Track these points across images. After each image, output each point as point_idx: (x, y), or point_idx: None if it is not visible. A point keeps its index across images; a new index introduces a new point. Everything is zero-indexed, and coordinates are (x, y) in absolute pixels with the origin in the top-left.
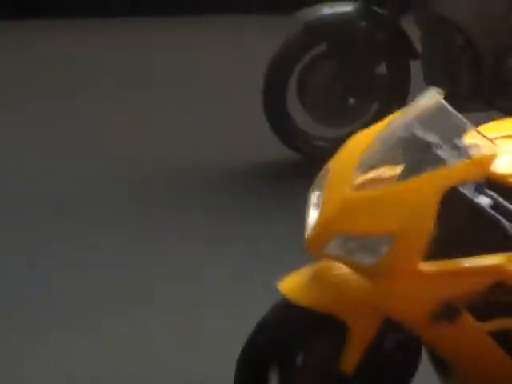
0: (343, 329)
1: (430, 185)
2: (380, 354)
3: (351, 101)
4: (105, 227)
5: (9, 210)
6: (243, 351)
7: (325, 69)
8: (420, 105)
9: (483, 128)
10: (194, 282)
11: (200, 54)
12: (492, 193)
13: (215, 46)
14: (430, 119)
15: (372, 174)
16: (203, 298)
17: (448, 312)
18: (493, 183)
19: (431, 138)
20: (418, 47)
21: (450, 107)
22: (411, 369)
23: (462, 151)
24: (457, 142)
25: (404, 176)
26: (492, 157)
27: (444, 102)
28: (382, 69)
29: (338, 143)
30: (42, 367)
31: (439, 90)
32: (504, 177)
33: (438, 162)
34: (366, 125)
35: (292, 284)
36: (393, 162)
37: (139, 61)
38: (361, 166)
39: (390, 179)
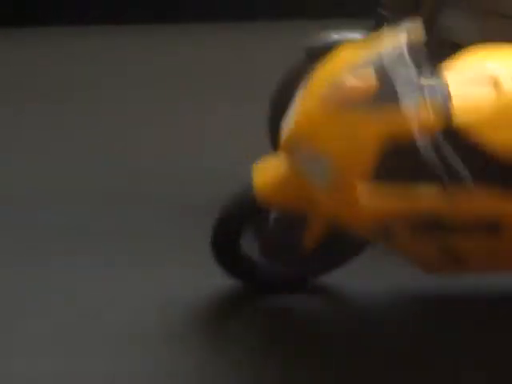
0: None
1: (372, 123)
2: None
3: None
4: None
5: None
6: (218, 218)
7: None
8: (393, 41)
9: (475, 50)
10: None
11: (201, 61)
12: (442, 141)
13: (217, 53)
14: (402, 56)
15: (345, 89)
16: None
17: (386, 233)
18: (455, 135)
19: (398, 74)
20: None
21: (422, 48)
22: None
23: (420, 93)
24: (421, 85)
25: (362, 104)
26: (440, 116)
27: (420, 42)
28: None
29: None
30: None
31: (415, 23)
32: (462, 127)
33: (392, 97)
34: None
35: (264, 180)
36: (363, 75)
37: (140, 66)
38: (336, 80)
39: (352, 98)
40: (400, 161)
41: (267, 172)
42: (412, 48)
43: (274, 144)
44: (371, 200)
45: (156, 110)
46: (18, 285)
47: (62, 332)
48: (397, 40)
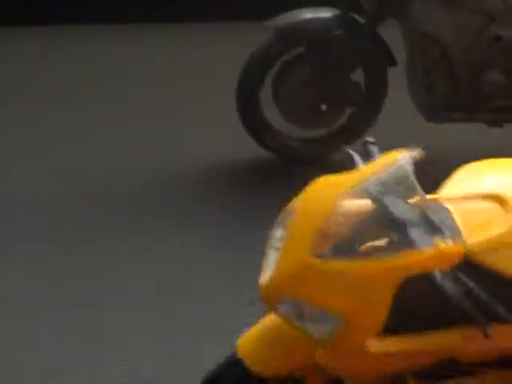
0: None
1: (390, 271)
2: None
3: (323, 106)
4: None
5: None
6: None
7: (298, 74)
8: (391, 170)
9: (467, 167)
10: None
11: (201, 61)
12: (465, 279)
13: (217, 53)
14: (402, 192)
15: (340, 239)
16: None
17: (395, 381)
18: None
19: (404, 214)
20: (403, 55)
21: (414, 179)
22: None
23: (428, 236)
24: (431, 222)
25: (368, 253)
26: (458, 250)
27: (413, 175)
28: (358, 76)
29: (310, 143)
30: None
31: (411, 153)
32: (472, 252)
33: (405, 242)
34: (341, 128)
35: (248, 346)
36: (361, 234)
37: (140, 66)
38: (326, 226)
39: (353, 251)
40: (418, 309)
41: (252, 336)
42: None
43: (245, 126)
44: (382, 352)
45: (156, 110)
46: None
47: None
48: (400, 169)
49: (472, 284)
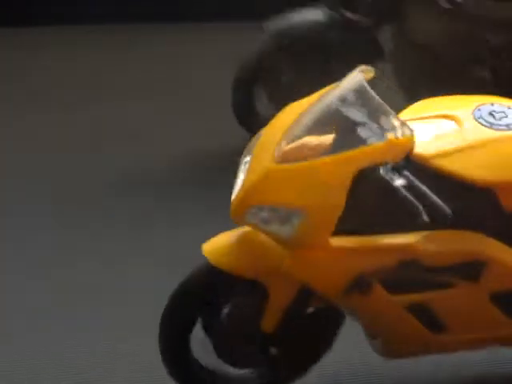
0: (264, 291)
1: (344, 165)
2: (299, 318)
3: None
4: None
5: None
6: (165, 312)
7: (291, 71)
8: (346, 84)
9: (413, 107)
10: None
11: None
12: (407, 173)
13: (216, 53)
14: (354, 99)
15: (297, 145)
16: None
17: (360, 285)
18: (415, 164)
19: (355, 116)
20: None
21: (371, 90)
22: (330, 334)
23: (381, 132)
24: (378, 122)
25: (324, 153)
26: (407, 141)
27: (366, 84)
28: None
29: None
30: None
31: (367, 68)
32: (425, 158)
33: (359, 141)
34: None
35: (215, 247)
36: (319, 134)
37: (140, 65)
38: (287, 136)
39: (312, 154)
40: (371, 207)
41: (218, 240)
42: (368, 88)
43: (242, 125)
44: (343, 251)
45: (155, 109)
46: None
47: None
48: (355, 81)
49: (414, 178)
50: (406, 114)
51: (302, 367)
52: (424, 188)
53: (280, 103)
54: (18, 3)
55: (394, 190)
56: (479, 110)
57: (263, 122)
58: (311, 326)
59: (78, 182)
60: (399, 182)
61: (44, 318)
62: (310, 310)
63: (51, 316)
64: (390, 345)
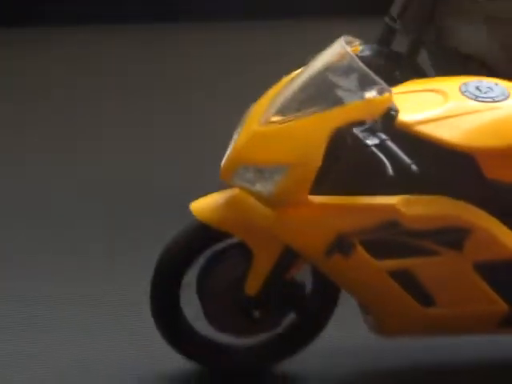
0: (248, 254)
1: (321, 123)
2: (282, 281)
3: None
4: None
5: None
6: (156, 269)
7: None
8: (330, 51)
9: (403, 84)
10: None
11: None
12: (380, 134)
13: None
14: (337, 64)
15: (283, 111)
16: None
17: (342, 246)
18: (399, 132)
19: (336, 79)
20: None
21: (353, 55)
22: (317, 301)
23: (358, 94)
24: (357, 85)
25: (305, 113)
26: (383, 99)
27: (349, 49)
28: None
29: None
30: None
31: (350, 38)
32: (409, 125)
33: (338, 101)
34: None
35: (204, 206)
36: (302, 100)
37: (140, 65)
38: (273, 103)
39: (295, 117)
40: (349, 168)
41: (206, 200)
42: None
43: None
44: (323, 208)
45: (157, 109)
46: None
47: None
48: (338, 48)
49: (385, 137)
50: (396, 89)
51: (291, 345)
52: (394, 146)
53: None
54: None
55: (365, 147)
56: (465, 84)
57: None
58: (295, 289)
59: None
60: (371, 141)
61: None
62: (295, 273)
63: None
64: (382, 320)
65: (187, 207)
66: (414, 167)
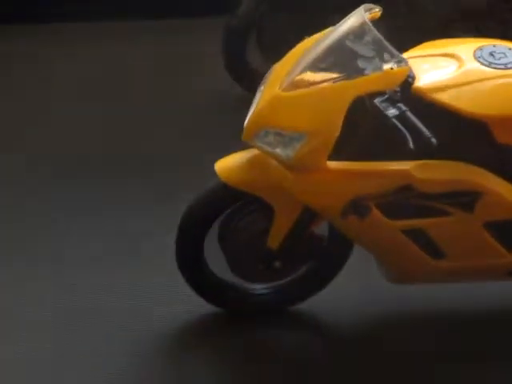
0: (271, 210)
1: (342, 92)
2: (303, 236)
3: None
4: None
5: None
6: (182, 219)
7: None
8: (350, 21)
9: (417, 47)
10: None
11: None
12: (400, 104)
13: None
14: (357, 34)
15: (305, 77)
16: None
17: (358, 208)
18: (414, 98)
19: (356, 50)
20: None
21: (372, 26)
22: (333, 250)
23: (379, 64)
24: (377, 56)
25: (325, 81)
26: (402, 71)
27: (368, 20)
28: None
29: None
30: None
31: (372, 7)
32: (424, 91)
33: (358, 71)
34: None
35: (227, 165)
36: (324, 66)
37: (140, 63)
38: (295, 68)
39: (316, 82)
40: (367, 137)
41: (230, 159)
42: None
43: (236, 80)
44: (340, 173)
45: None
46: None
47: None
48: (358, 18)
49: (405, 108)
50: (410, 52)
51: (306, 290)
52: (414, 118)
53: (273, 56)
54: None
55: (386, 118)
56: (481, 49)
57: (257, 77)
58: (314, 245)
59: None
60: (392, 111)
61: None
62: (315, 229)
63: None
64: (395, 271)
65: None
66: (433, 140)
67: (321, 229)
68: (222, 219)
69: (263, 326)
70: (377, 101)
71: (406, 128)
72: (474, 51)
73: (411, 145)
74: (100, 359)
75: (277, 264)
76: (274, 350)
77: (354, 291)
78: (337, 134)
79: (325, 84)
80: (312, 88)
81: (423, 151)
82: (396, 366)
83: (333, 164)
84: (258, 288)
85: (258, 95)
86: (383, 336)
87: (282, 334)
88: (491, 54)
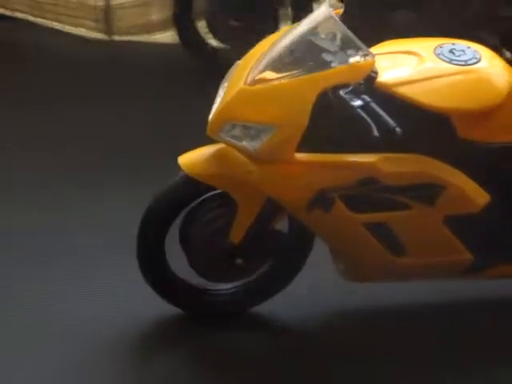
0: (233, 204)
1: (308, 85)
2: (265, 231)
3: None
4: None
5: None
6: (142, 220)
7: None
8: (315, 16)
9: (379, 45)
10: None
11: None
12: (365, 96)
13: None
14: (322, 28)
15: (268, 72)
16: None
17: (322, 200)
18: (378, 92)
19: (322, 44)
20: None
21: (338, 20)
22: (293, 247)
23: (345, 57)
24: (342, 49)
25: (291, 75)
26: (367, 64)
27: (334, 15)
28: None
29: None
30: None
31: (334, 1)
32: (387, 86)
33: (324, 65)
34: None
35: (190, 159)
36: (288, 61)
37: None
38: (259, 63)
39: (282, 77)
40: (332, 126)
41: (194, 154)
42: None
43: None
44: (306, 165)
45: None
46: None
47: None
48: (324, 13)
49: (371, 100)
50: (373, 50)
51: (270, 289)
52: (378, 109)
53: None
54: None
55: (351, 108)
56: (441, 47)
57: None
58: (276, 238)
59: None
60: (357, 102)
61: None
62: (277, 228)
63: None
64: (353, 268)
65: None
66: (398, 129)
67: (281, 226)
68: (182, 219)
69: (223, 328)
70: (342, 92)
71: (371, 118)
72: (434, 48)
73: (376, 132)
74: (68, 361)
75: (239, 261)
76: (233, 352)
77: (303, 291)
78: (305, 125)
79: (291, 77)
80: (280, 81)
81: (388, 141)
82: (351, 366)
83: (300, 156)
84: (221, 288)
85: (221, 91)
86: (331, 335)
87: (243, 336)
88: (451, 52)
